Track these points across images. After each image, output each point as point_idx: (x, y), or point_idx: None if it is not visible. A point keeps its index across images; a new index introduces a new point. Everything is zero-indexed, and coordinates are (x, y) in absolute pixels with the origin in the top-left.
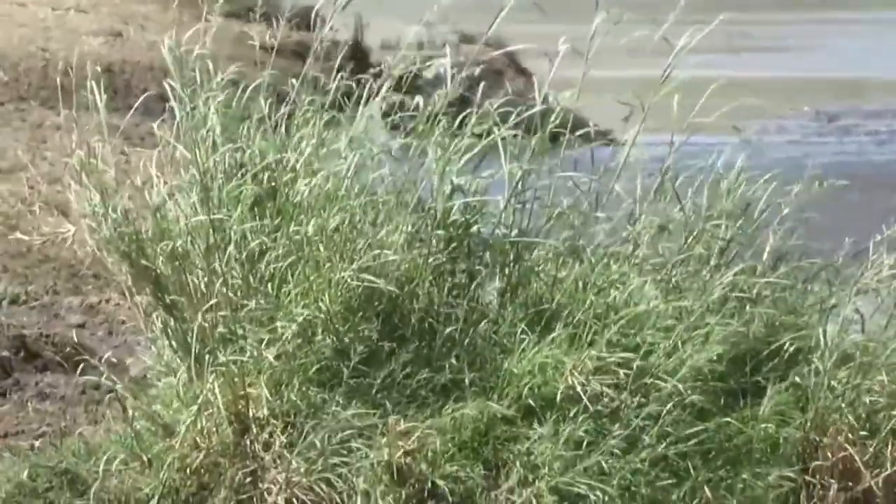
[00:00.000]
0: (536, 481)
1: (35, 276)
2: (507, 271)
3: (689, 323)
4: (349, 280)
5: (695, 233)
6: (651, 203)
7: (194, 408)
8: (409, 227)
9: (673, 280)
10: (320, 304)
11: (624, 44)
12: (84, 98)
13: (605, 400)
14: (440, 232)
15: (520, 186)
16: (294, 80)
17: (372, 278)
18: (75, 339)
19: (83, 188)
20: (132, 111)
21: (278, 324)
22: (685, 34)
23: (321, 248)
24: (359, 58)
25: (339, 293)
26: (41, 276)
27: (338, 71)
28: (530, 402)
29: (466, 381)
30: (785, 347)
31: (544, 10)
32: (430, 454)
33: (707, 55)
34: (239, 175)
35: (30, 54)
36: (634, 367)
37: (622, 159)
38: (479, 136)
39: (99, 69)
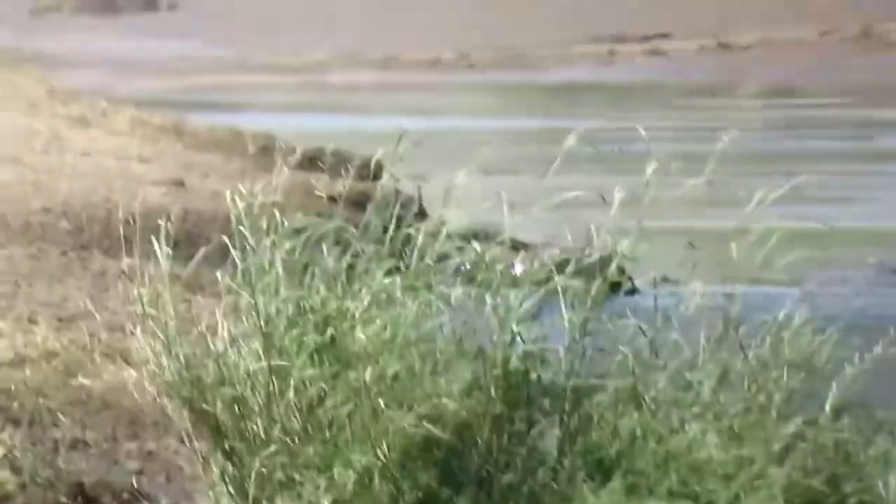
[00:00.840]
0: None
1: (94, 423)
2: (566, 419)
3: (750, 472)
4: (407, 427)
5: (758, 381)
6: (713, 352)
7: None
8: (469, 375)
9: (734, 428)
10: (378, 451)
11: (680, 195)
12: (146, 247)
13: None
14: (500, 379)
15: (579, 334)
16: (354, 230)
17: (430, 427)
18: (134, 485)
19: (145, 334)
20: (196, 259)
21: (336, 470)
22: (760, 187)
23: (380, 396)
24: (419, 210)
25: (398, 440)
26: (101, 423)
27: (397, 221)
28: None
29: None
30: (847, 500)
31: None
32: None
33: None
34: (300, 323)
35: (93, 203)
36: None
37: (684, 308)
38: (538, 283)
39: (162, 219)
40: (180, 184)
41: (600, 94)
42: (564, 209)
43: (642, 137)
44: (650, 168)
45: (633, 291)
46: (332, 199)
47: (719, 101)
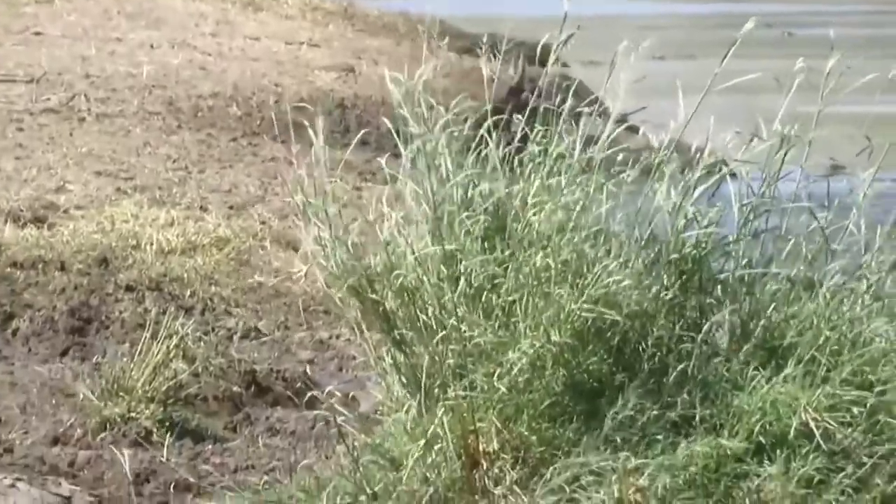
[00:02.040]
0: None
1: (266, 312)
2: (738, 306)
3: None
4: (580, 312)
5: None
6: (888, 240)
7: (422, 442)
8: (640, 262)
9: None
10: (551, 336)
11: (859, 82)
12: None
13: (838, 437)
14: (672, 265)
15: (752, 216)
16: (519, 116)
17: (604, 310)
18: (306, 374)
19: (313, 224)
20: (353, 144)
21: (508, 356)
22: None
23: (551, 281)
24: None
25: (570, 325)
26: (272, 312)
27: (561, 104)
28: (761, 439)
29: (697, 417)
30: None
31: (789, 38)
32: (660, 491)
33: None
34: (470, 208)
35: (262, 88)
36: (868, 405)
37: (861, 194)
38: (709, 169)
39: (329, 105)
40: (350, 69)
41: None
42: (740, 93)
43: (815, 21)
44: (832, 59)
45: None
46: (502, 84)
47: None
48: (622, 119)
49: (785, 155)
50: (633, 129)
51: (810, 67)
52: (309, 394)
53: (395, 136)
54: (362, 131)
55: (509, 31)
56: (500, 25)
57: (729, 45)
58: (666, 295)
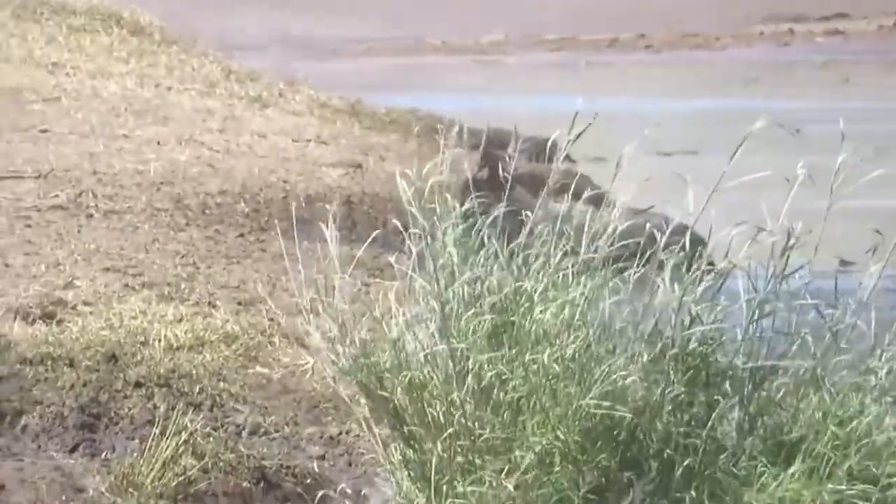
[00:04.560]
0: None
1: (275, 408)
2: (745, 402)
3: None
4: (587, 408)
5: None
6: (894, 336)
7: None
8: (646, 358)
9: None
10: (558, 432)
11: (857, 175)
12: (324, 230)
13: None
14: (678, 361)
15: (757, 315)
16: (529, 213)
17: (611, 405)
18: (316, 470)
19: (322, 320)
20: (368, 241)
21: (516, 453)
22: None
23: (558, 377)
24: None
25: (577, 422)
26: (281, 408)
27: (574, 201)
28: None
29: None
30: None
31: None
32: None
33: None
34: (477, 305)
35: (270, 185)
36: (874, 499)
37: (867, 291)
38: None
39: (337, 201)
40: (357, 166)
41: (778, 74)
42: (748, 190)
43: (823, 118)
44: (842, 154)
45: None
46: (509, 179)
47: None
48: (629, 214)
49: (790, 251)
50: (640, 225)
51: (818, 164)
52: (320, 492)
53: (403, 232)
54: (375, 231)
55: (520, 128)
56: (508, 121)
57: (736, 142)
58: (672, 391)
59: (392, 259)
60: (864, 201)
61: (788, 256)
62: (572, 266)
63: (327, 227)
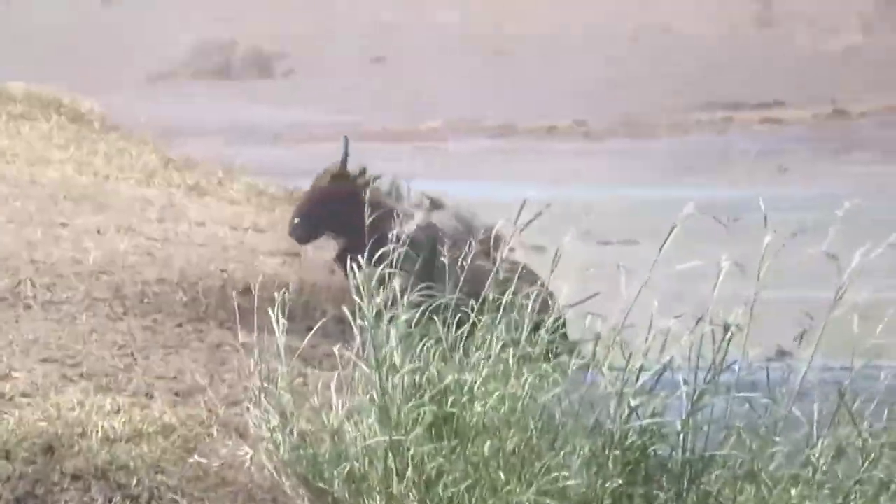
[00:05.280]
0: None
1: (213, 500)
2: (683, 495)
3: None
4: (527, 503)
5: (871, 457)
6: (830, 427)
7: None
8: (587, 450)
9: None
10: None
11: (793, 264)
12: (262, 319)
13: None
14: (618, 454)
15: (695, 407)
16: (473, 303)
17: (551, 502)
18: None
19: (262, 411)
20: (311, 332)
21: None
22: (857, 254)
23: (499, 470)
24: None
25: None
26: (220, 500)
27: (514, 291)
28: None
29: None
30: None
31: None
32: None
33: (883, 279)
34: (417, 396)
35: (208, 274)
36: None
37: (798, 381)
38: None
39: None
40: (295, 254)
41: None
42: (685, 279)
43: (757, 206)
44: (766, 238)
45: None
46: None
47: (837, 167)
48: (569, 306)
49: (728, 342)
50: (580, 315)
51: (754, 252)
52: None
53: (346, 321)
54: (318, 322)
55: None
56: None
57: (667, 230)
58: (611, 484)
59: (334, 349)
60: (801, 292)
61: (727, 347)
62: (513, 357)
63: (266, 316)
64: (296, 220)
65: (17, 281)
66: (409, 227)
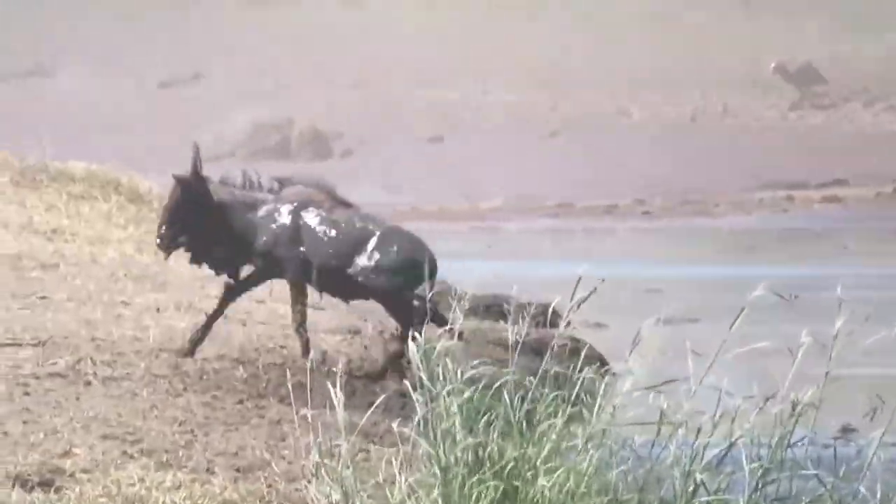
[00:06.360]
0: None
1: None
2: None
3: None
4: None
5: None
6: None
7: None
8: None
9: None
10: None
11: (868, 343)
12: (323, 396)
13: None
14: None
15: (760, 483)
16: (532, 378)
17: None
18: None
19: (323, 486)
20: (373, 408)
21: None
22: None
23: None
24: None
25: None
26: None
27: (576, 368)
28: None
29: None
30: None
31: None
32: None
33: None
34: (480, 471)
35: (268, 350)
36: None
37: (868, 458)
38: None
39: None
40: (356, 331)
41: (777, 241)
42: (751, 357)
43: (822, 285)
44: (840, 319)
45: None
46: (509, 345)
47: None
48: (647, 388)
49: (796, 420)
50: (646, 394)
51: (818, 331)
52: None
53: (409, 397)
54: (382, 395)
55: (517, 293)
56: (509, 288)
57: (735, 309)
58: None
59: (394, 425)
60: (870, 370)
61: (795, 425)
62: (581, 436)
63: (327, 392)
64: (162, 230)
65: (78, 358)
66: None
